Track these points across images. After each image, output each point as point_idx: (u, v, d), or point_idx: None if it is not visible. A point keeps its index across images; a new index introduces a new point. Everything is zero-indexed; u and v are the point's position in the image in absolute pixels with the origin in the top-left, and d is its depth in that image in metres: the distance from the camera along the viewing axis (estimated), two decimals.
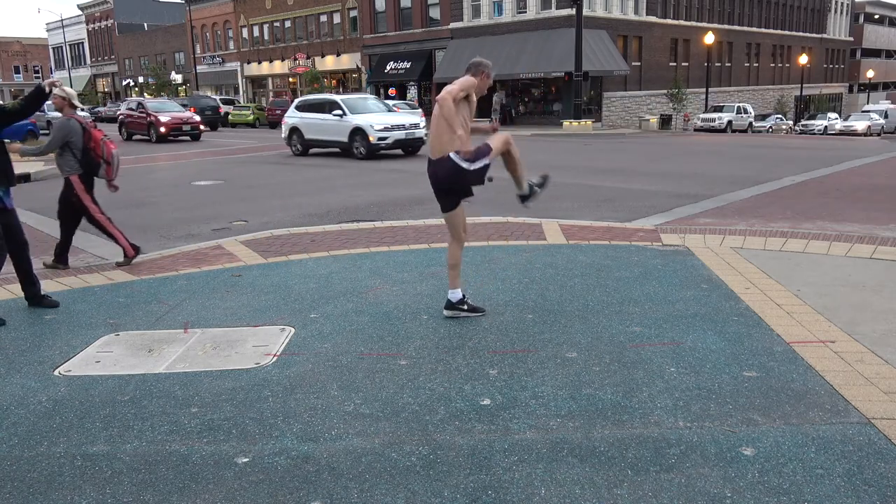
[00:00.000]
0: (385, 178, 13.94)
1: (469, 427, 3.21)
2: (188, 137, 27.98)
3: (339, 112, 18.64)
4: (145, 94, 58.94)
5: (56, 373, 3.97)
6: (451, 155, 4.55)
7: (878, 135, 37.24)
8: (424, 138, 18.56)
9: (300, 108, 20.45)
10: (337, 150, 19.27)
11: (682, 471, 2.80)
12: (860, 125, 38.14)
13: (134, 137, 28.67)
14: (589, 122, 31.52)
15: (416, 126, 18.88)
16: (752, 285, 5.33)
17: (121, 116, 29.87)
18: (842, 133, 37.26)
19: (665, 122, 37.54)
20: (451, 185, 4.66)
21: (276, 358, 4.11)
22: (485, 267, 6.10)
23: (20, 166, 16.96)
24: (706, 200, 10.17)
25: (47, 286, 5.83)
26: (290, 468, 2.90)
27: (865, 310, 4.71)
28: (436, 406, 3.43)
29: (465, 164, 4.57)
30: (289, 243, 7.29)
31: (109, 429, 3.28)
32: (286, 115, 20.92)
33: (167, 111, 28.24)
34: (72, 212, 6.52)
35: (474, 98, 4.68)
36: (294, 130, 20.09)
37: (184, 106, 33.46)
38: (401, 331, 4.53)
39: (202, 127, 28.59)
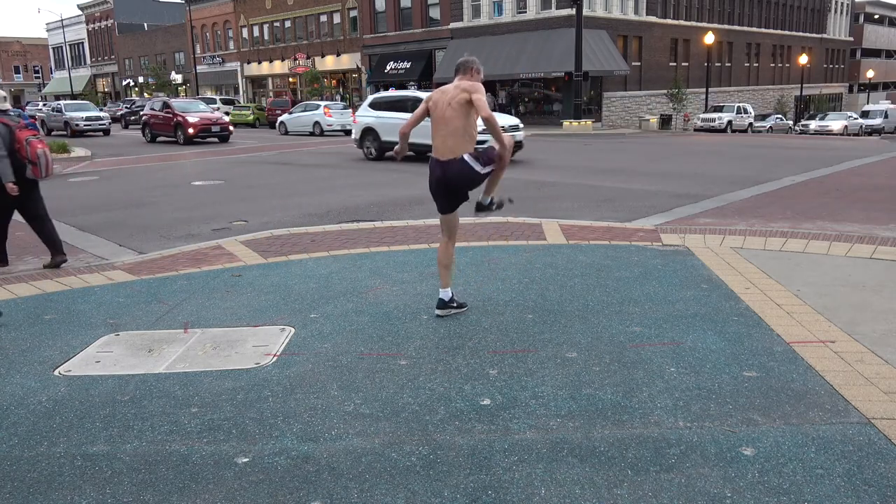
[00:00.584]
0: (385, 178, 13.94)
1: (469, 427, 3.21)
2: (216, 139, 26.32)
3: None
4: (145, 94, 58.91)
5: (56, 373, 3.97)
6: (465, 157, 4.56)
7: (857, 134, 36.47)
8: (524, 142, 16.49)
9: (376, 105, 18.05)
10: (417, 153, 16.75)
11: (682, 471, 2.80)
12: (836, 125, 37.03)
13: (159, 139, 27.12)
14: (589, 122, 31.53)
15: (516, 128, 16.22)
16: (752, 285, 5.33)
17: (144, 117, 28.10)
18: (817, 133, 36.34)
19: (665, 122, 37.55)
20: (460, 187, 4.68)
21: (276, 358, 4.11)
22: (485, 267, 6.10)
23: None
24: (706, 200, 10.17)
25: (46, 286, 5.83)
26: (290, 468, 2.90)
27: (865, 310, 4.71)
28: (436, 406, 3.43)
29: (477, 167, 4.60)
30: (289, 243, 7.29)
31: (109, 429, 3.28)
32: (357, 113, 18.62)
33: (195, 111, 26.44)
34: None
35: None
36: (368, 132, 17.86)
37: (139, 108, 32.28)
38: (401, 331, 4.53)
39: (231, 128, 26.97)
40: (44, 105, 59.15)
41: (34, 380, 3.87)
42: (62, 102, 34.79)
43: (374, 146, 17.83)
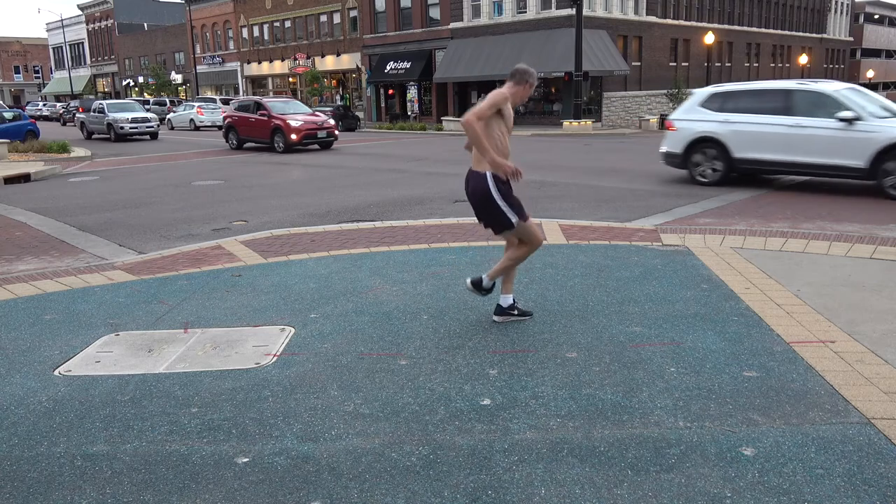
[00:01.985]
0: (385, 178, 13.93)
1: (469, 427, 3.21)
2: (317, 146, 22.12)
3: (848, 116, 10.24)
4: (145, 94, 58.92)
5: (56, 373, 3.97)
6: (488, 175, 4.25)
7: None
8: None
9: (718, 103, 11.78)
10: (808, 176, 11.44)
11: (682, 471, 2.80)
12: None
13: (247, 146, 22.93)
14: (589, 122, 31.53)
15: None
16: (752, 285, 5.33)
17: (228, 120, 23.69)
18: None
19: (665, 121, 37.48)
20: (479, 206, 4.37)
21: (276, 358, 4.11)
22: (485, 267, 6.09)
23: (20, 166, 16.97)
24: (706, 200, 10.17)
25: (47, 286, 5.83)
26: (290, 468, 2.90)
27: (865, 310, 4.71)
28: (436, 406, 3.43)
29: (495, 194, 4.26)
30: (289, 243, 7.29)
31: (109, 429, 3.28)
32: (677, 115, 12.57)
33: (296, 113, 22.04)
34: None
35: (510, 110, 4.35)
36: (705, 144, 11.72)
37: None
38: (401, 331, 4.53)
39: (336, 132, 22.58)
40: (41, 103, 59.34)
41: (34, 380, 3.87)
42: (105, 102, 30.07)
43: (719, 163, 11.62)
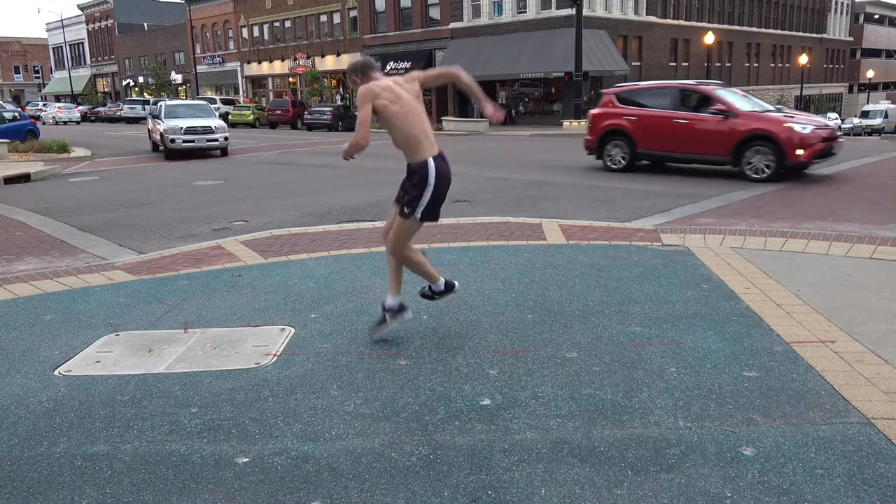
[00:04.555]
0: (385, 178, 13.93)
1: (469, 427, 3.21)
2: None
3: None
4: (145, 94, 58.91)
5: (56, 373, 3.97)
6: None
7: None
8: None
9: None
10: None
11: (682, 471, 2.80)
12: None
13: (642, 163, 13.62)
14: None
15: None
16: (752, 285, 5.33)
17: (610, 123, 13.62)
18: None
19: None
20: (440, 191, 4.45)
21: (276, 358, 4.11)
22: (485, 267, 6.10)
23: (20, 166, 16.97)
24: (706, 200, 10.16)
25: (47, 286, 5.83)
26: (290, 468, 2.90)
27: (865, 310, 4.71)
28: (436, 406, 3.43)
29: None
30: (289, 243, 7.29)
31: (109, 429, 3.28)
32: None
33: (776, 115, 12.56)
34: None
35: (393, 92, 4.51)
36: None
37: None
38: (401, 331, 4.52)
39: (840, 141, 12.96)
40: (41, 103, 59.33)
41: (34, 380, 3.87)
42: (163, 103, 21.99)
43: None
